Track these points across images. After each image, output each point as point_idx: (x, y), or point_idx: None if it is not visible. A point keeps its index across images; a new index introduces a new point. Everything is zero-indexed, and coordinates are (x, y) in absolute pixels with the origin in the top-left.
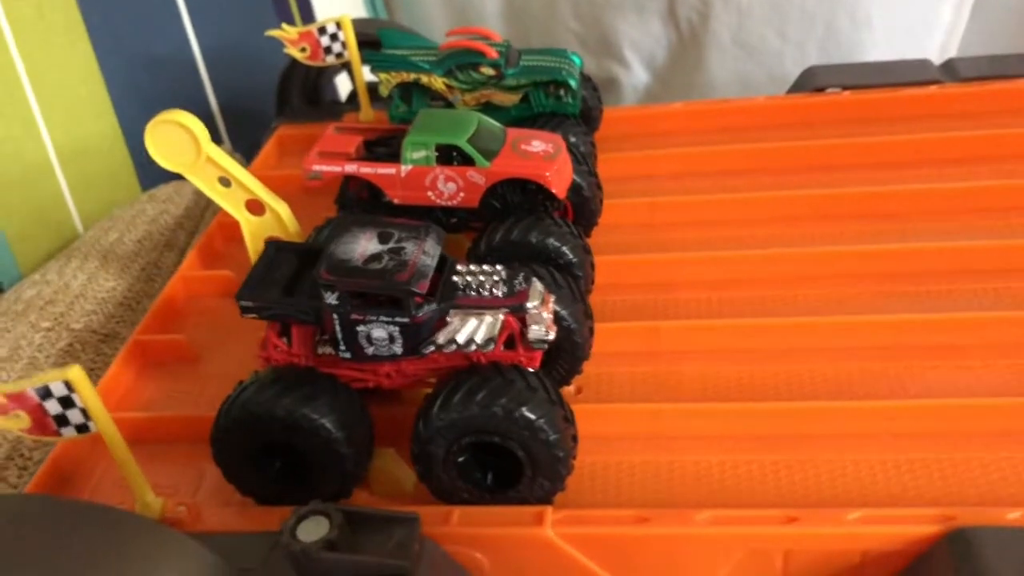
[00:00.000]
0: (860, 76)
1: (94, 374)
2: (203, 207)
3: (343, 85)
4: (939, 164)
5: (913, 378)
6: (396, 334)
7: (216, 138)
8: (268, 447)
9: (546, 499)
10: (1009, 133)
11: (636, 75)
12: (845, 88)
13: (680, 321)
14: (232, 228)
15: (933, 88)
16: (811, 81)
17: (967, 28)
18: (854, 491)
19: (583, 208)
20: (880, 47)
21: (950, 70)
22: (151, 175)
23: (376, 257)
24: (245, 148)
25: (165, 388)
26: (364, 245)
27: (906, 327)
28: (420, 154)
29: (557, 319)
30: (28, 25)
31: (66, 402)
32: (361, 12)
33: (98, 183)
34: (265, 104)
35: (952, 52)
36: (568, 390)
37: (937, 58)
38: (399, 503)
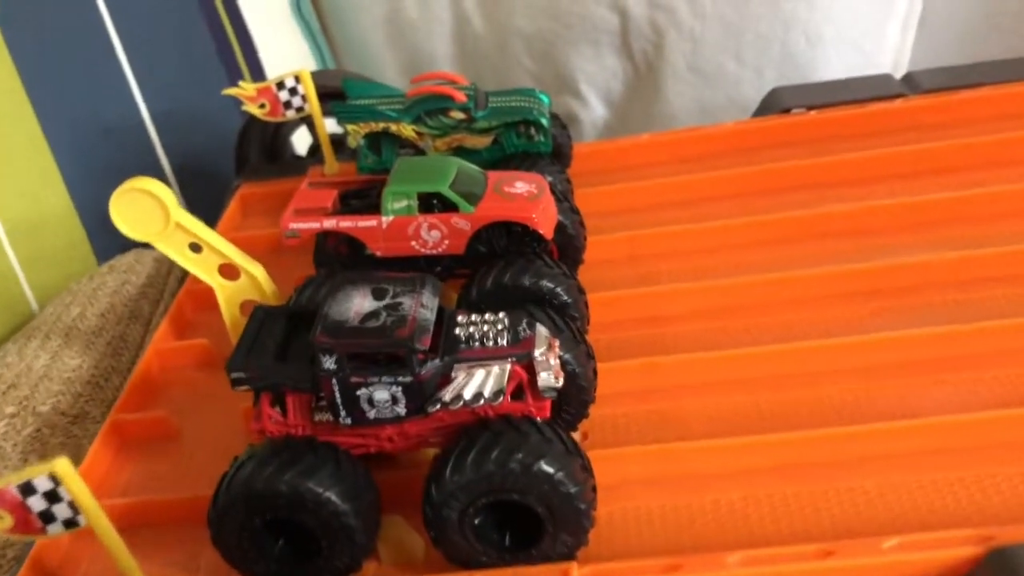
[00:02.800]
0: (824, 95)
1: (67, 458)
2: (165, 274)
3: (300, 140)
4: (912, 177)
5: (924, 395)
6: (399, 394)
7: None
8: (270, 525)
9: (569, 555)
10: (978, 142)
11: (594, 110)
12: (810, 108)
13: (678, 355)
14: (202, 295)
15: (898, 102)
16: (776, 103)
17: (915, 43)
18: (884, 517)
19: (568, 247)
20: (833, 64)
21: (911, 83)
22: (107, 246)
23: (373, 315)
24: (202, 211)
25: (147, 469)
26: (359, 303)
27: (908, 343)
28: (402, 204)
29: (562, 364)
30: None
31: (52, 496)
32: (309, 64)
33: (51, 257)
34: (220, 165)
35: (904, 66)
36: (574, 436)
37: (891, 72)
38: (411, 572)
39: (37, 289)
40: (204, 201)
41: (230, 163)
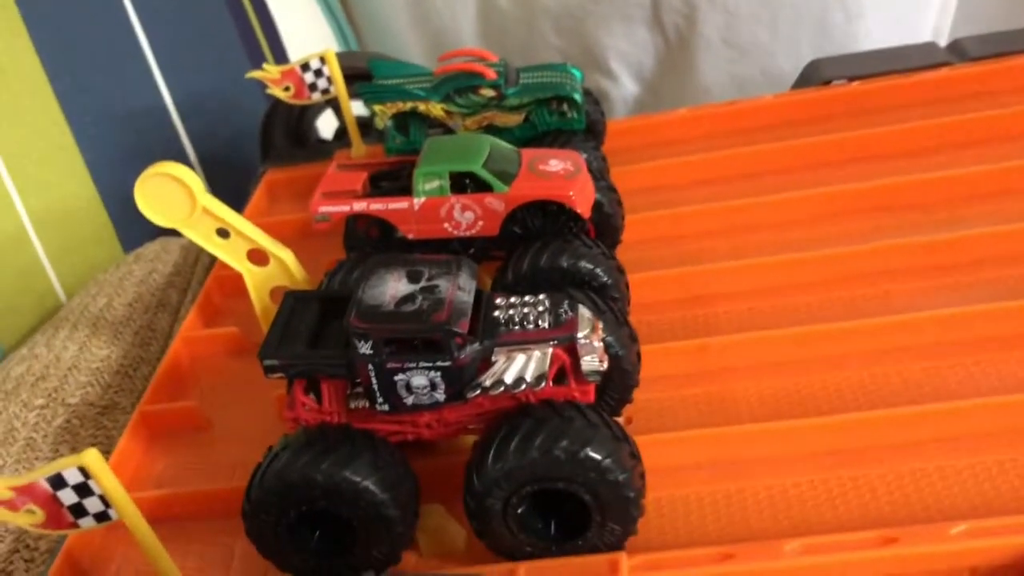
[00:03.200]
0: (866, 65)
1: (98, 450)
2: (192, 263)
3: (325, 124)
4: (959, 147)
5: (988, 373)
6: (438, 380)
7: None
8: (306, 516)
9: (617, 545)
10: None
11: (624, 87)
12: (852, 79)
13: (727, 336)
14: (230, 282)
15: (944, 70)
16: (816, 75)
17: (956, 12)
18: (948, 502)
19: (606, 226)
20: (873, 38)
21: (958, 50)
22: (133, 234)
23: (409, 298)
24: (227, 197)
25: (178, 460)
26: (394, 287)
27: (969, 319)
28: (433, 184)
29: (605, 347)
30: None
31: (82, 490)
32: (332, 47)
33: (78, 247)
34: (244, 151)
35: (944, 37)
36: (618, 421)
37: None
38: (452, 562)
39: (65, 279)
40: (229, 187)
41: (255, 148)
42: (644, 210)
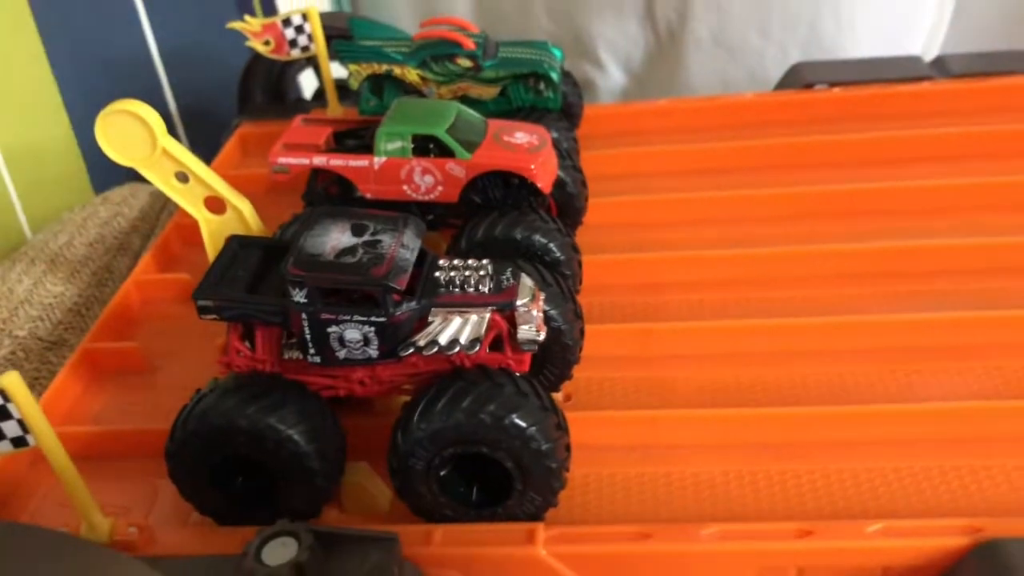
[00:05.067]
0: (849, 72)
1: (39, 384)
2: (159, 209)
3: (307, 84)
4: (932, 161)
5: (923, 381)
6: (371, 335)
7: (174, 139)
8: (230, 461)
9: (536, 515)
10: (1003, 130)
11: (611, 76)
12: (833, 85)
13: (673, 323)
14: (190, 230)
15: (925, 84)
16: (799, 78)
17: (947, 32)
18: (870, 502)
19: (568, 205)
20: (861, 48)
21: (940, 66)
22: (105, 177)
23: (350, 250)
24: (204, 150)
25: (117, 400)
26: (337, 238)
27: (911, 327)
28: (395, 145)
29: (547, 319)
30: None
31: (1, 413)
32: (326, 7)
33: (49, 186)
34: (225, 104)
35: (934, 54)
36: (556, 397)
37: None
38: (374, 522)
39: (32, 217)
40: (208, 139)
41: (236, 102)
42: (609, 195)
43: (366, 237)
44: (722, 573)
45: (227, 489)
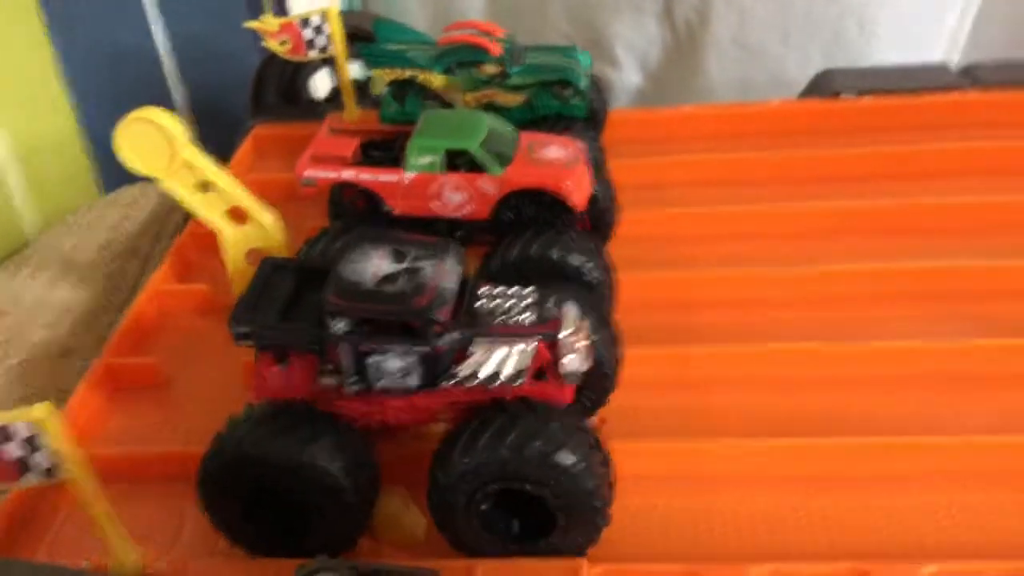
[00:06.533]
0: (878, 81)
1: (52, 396)
2: (167, 211)
3: (318, 85)
4: (964, 175)
5: (981, 410)
6: (412, 365)
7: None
8: (263, 493)
9: (579, 552)
10: None
11: (628, 76)
12: (862, 93)
13: (712, 346)
14: (208, 236)
15: (954, 95)
16: (827, 85)
17: (968, 39)
18: (927, 540)
19: (599, 220)
20: (884, 54)
21: (971, 75)
22: (112, 177)
23: (390, 278)
24: (212, 149)
25: (132, 417)
26: (377, 264)
27: (965, 353)
28: (426, 160)
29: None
30: None
31: (32, 444)
32: (336, 5)
33: (53, 186)
34: (234, 103)
35: (955, 59)
36: (592, 421)
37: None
38: (410, 552)
39: (34, 216)
40: (217, 139)
41: (246, 102)
42: (637, 206)
43: (407, 264)
44: None
45: (259, 520)
